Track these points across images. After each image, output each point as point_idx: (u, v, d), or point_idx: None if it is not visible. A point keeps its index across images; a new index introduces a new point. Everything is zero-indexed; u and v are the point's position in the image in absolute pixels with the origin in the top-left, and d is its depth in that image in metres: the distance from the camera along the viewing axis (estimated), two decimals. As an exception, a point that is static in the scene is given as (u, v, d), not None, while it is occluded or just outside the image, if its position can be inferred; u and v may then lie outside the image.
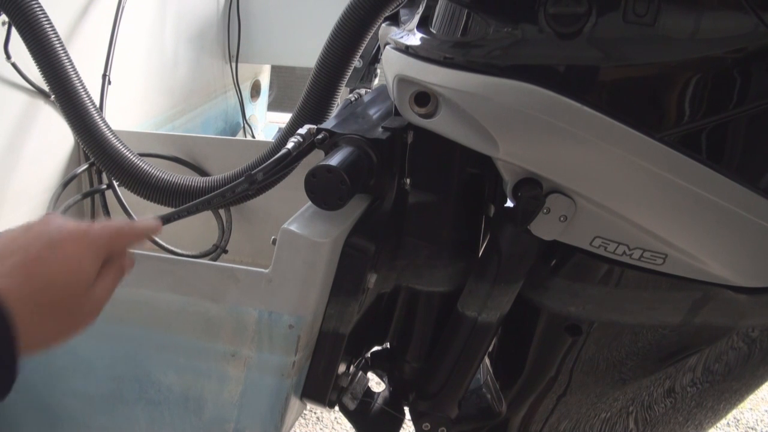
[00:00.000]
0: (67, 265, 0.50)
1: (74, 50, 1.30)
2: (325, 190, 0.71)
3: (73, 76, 1.21)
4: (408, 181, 0.80)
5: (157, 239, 1.53)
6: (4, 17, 1.32)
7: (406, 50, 0.71)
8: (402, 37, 0.75)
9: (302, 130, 0.80)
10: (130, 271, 0.58)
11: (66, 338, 0.51)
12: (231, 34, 2.32)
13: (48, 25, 1.17)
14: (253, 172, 0.78)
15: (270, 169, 0.78)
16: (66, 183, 1.51)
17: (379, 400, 0.99)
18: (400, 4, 0.96)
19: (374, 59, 1.36)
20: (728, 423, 1.85)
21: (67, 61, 1.20)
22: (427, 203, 0.82)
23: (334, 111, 1.02)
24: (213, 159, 1.61)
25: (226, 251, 1.52)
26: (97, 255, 0.53)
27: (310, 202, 0.74)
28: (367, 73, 1.36)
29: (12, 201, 1.45)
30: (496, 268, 0.79)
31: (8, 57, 1.39)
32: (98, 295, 0.53)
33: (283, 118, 2.94)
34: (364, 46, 1.02)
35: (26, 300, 0.46)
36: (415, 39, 0.72)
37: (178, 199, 1.17)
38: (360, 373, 0.93)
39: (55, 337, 0.50)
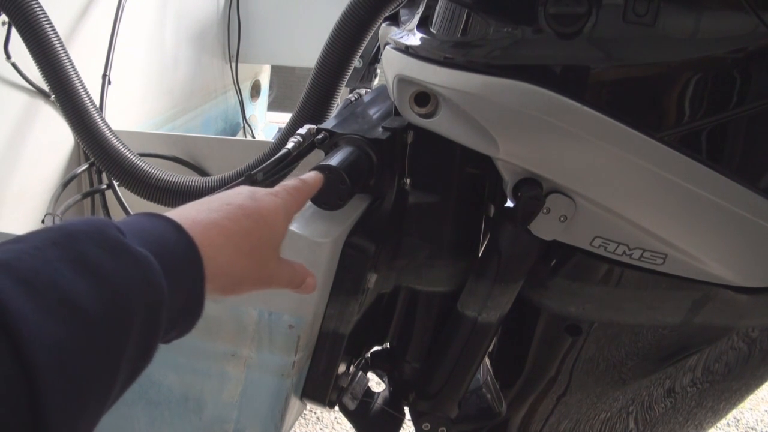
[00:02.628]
0: (267, 219, 0.52)
1: (74, 50, 1.30)
2: (325, 190, 0.71)
3: (73, 76, 1.21)
4: (408, 181, 0.80)
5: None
6: (4, 17, 1.32)
7: (406, 50, 0.71)
8: (402, 37, 0.75)
9: (302, 130, 0.80)
10: None
11: (249, 289, 0.52)
12: (231, 34, 2.32)
13: (48, 25, 1.17)
14: (253, 172, 0.78)
15: (270, 169, 0.78)
16: (66, 183, 1.51)
17: (379, 400, 0.99)
18: (400, 4, 0.96)
19: (374, 59, 1.36)
20: (728, 423, 1.86)
21: (67, 61, 1.20)
22: (427, 203, 0.82)
23: (334, 111, 1.02)
24: (213, 159, 1.61)
25: (226, 251, 1.52)
26: (287, 217, 0.56)
27: (310, 202, 0.74)
28: (367, 73, 1.36)
29: (12, 201, 1.45)
30: (496, 268, 0.79)
31: (8, 57, 1.39)
32: (281, 263, 0.55)
33: (283, 118, 2.94)
34: (364, 46, 1.02)
35: (227, 238, 0.47)
36: (415, 39, 0.72)
37: (178, 199, 1.17)
38: (360, 373, 0.93)
39: (241, 284, 0.51)
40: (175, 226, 0.44)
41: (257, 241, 0.50)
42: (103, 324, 0.34)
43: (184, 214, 0.47)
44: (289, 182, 0.59)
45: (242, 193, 0.53)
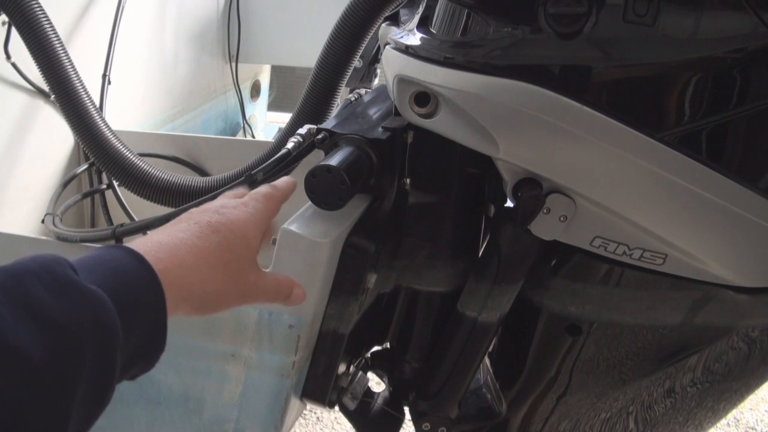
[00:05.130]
0: (236, 232, 0.50)
1: (74, 50, 1.30)
2: (325, 190, 0.71)
3: (73, 76, 1.21)
4: (408, 181, 0.80)
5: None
6: (4, 17, 1.32)
7: (406, 50, 0.71)
8: (402, 37, 0.75)
9: (302, 130, 0.80)
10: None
11: (231, 305, 0.51)
12: (231, 34, 2.32)
13: (48, 25, 1.17)
14: (253, 172, 0.78)
15: (270, 169, 0.78)
16: (66, 183, 1.51)
17: (379, 400, 0.99)
18: (400, 4, 0.96)
19: (374, 59, 1.36)
20: (728, 423, 1.86)
21: (67, 61, 1.20)
22: (427, 203, 0.82)
23: (334, 111, 1.02)
24: (213, 159, 1.61)
25: (226, 251, 1.52)
26: (258, 226, 0.54)
27: (310, 202, 0.74)
28: (367, 73, 1.36)
29: (12, 201, 1.45)
30: (496, 268, 0.79)
31: (8, 57, 1.39)
32: (261, 275, 0.53)
33: (283, 118, 2.94)
34: (364, 46, 1.02)
35: (197, 256, 0.47)
36: (415, 39, 0.72)
37: (178, 199, 1.17)
38: (360, 373, 0.93)
39: (220, 300, 0.49)
40: (135, 256, 0.42)
41: (230, 254, 0.49)
42: (49, 372, 0.33)
43: (150, 239, 0.46)
44: (259, 189, 0.58)
45: (209, 209, 0.52)
